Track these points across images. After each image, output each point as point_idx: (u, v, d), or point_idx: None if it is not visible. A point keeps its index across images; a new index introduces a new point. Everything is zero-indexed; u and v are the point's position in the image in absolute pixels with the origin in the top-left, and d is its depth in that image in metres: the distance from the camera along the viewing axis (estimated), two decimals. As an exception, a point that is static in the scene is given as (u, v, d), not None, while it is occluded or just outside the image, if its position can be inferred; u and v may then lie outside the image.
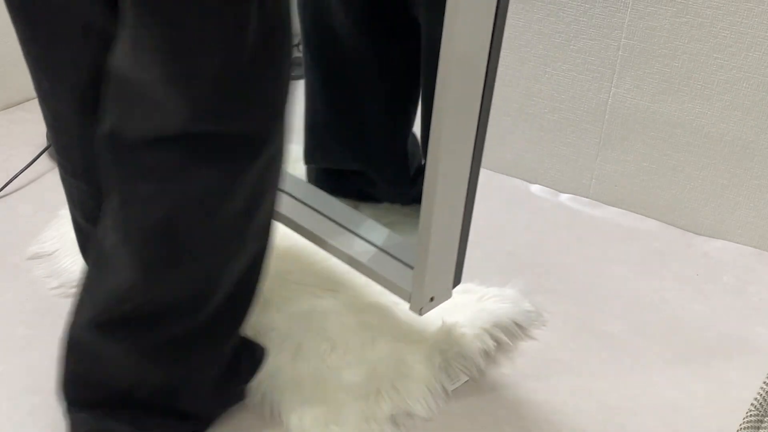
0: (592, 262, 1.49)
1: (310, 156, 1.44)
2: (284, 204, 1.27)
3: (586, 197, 1.67)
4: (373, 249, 1.19)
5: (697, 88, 1.46)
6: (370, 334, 1.23)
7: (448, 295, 1.14)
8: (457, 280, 1.15)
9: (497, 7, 0.90)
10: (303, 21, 1.34)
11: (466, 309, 1.29)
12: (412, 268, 1.13)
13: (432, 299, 1.11)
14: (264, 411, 1.12)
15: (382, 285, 1.15)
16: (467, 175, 1.05)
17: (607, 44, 1.52)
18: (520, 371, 1.23)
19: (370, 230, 1.23)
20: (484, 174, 1.74)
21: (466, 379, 1.19)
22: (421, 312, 1.11)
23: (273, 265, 1.35)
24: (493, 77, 0.96)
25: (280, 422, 1.11)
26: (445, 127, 0.95)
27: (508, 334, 1.27)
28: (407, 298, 1.11)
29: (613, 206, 1.65)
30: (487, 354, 1.24)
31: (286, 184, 1.30)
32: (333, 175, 1.44)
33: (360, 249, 1.19)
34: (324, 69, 1.36)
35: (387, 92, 1.35)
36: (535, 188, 1.70)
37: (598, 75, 1.55)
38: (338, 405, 1.11)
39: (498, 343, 1.26)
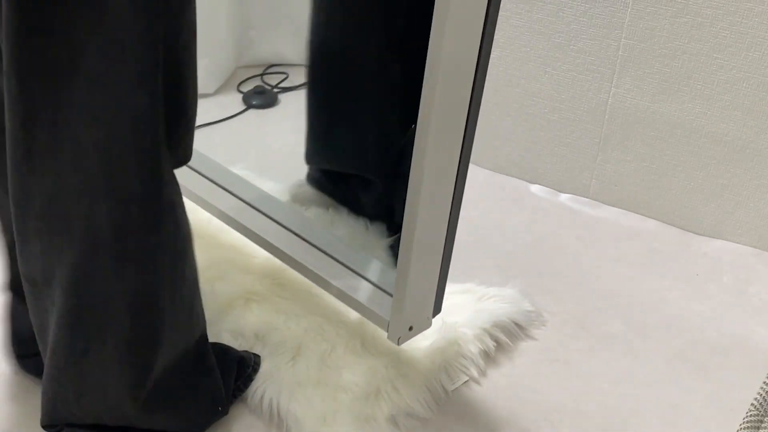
0: (592, 262, 1.49)
1: (310, 157, 1.47)
2: (259, 224, 1.28)
3: (586, 197, 1.67)
4: (350, 274, 1.19)
5: (697, 88, 1.46)
6: (370, 333, 1.23)
7: (428, 324, 1.14)
8: (437, 309, 1.15)
9: (488, 10, 0.90)
10: (311, 32, 1.37)
11: (466, 309, 1.29)
12: (391, 295, 1.13)
13: (411, 328, 1.11)
14: (264, 411, 1.12)
15: (359, 312, 1.15)
16: (450, 201, 1.04)
17: (607, 44, 1.52)
18: (520, 371, 1.23)
19: (348, 255, 1.23)
20: (484, 174, 1.74)
21: (466, 379, 1.19)
22: (399, 342, 1.11)
23: (273, 266, 1.35)
24: (481, 89, 0.96)
25: (280, 422, 1.11)
26: (428, 149, 0.95)
27: (508, 334, 1.27)
28: (385, 326, 1.11)
29: (613, 206, 1.65)
30: (487, 354, 1.24)
31: (263, 205, 1.31)
32: (331, 176, 1.47)
33: (337, 274, 1.19)
34: (327, 75, 1.39)
35: (388, 100, 1.37)
36: (535, 188, 1.70)
37: (598, 75, 1.55)
38: (338, 405, 1.11)
39: (498, 343, 1.26)
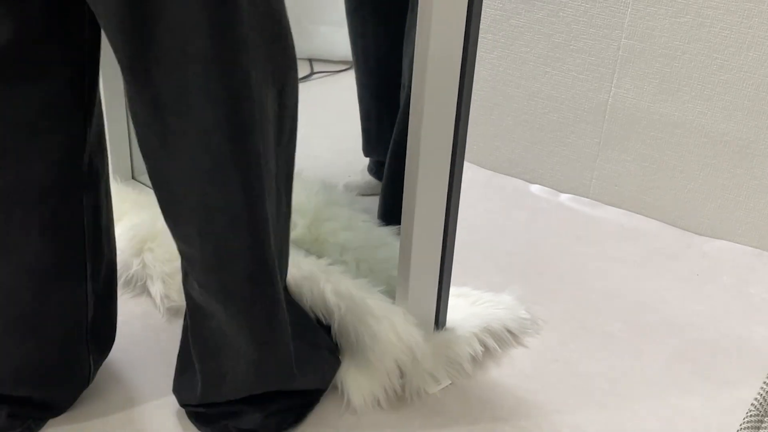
0: (592, 262, 1.49)
1: (366, 150, 1.57)
2: None
3: (586, 197, 1.67)
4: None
5: (697, 88, 1.46)
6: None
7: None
8: (441, 323, 1.18)
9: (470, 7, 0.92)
10: (354, 36, 1.45)
11: (460, 311, 1.28)
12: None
13: None
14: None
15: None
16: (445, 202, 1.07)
17: (607, 44, 1.52)
18: (520, 371, 1.23)
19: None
20: (484, 174, 1.74)
21: (449, 382, 1.19)
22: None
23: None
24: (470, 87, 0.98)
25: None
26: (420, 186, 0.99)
27: (508, 333, 1.27)
28: None
29: (613, 206, 1.64)
30: (487, 354, 1.24)
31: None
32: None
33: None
34: (370, 74, 1.48)
35: None
36: (535, 188, 1.70)
37: (598, 75, 1.55)
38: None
39: (498, 343, 1.26)
